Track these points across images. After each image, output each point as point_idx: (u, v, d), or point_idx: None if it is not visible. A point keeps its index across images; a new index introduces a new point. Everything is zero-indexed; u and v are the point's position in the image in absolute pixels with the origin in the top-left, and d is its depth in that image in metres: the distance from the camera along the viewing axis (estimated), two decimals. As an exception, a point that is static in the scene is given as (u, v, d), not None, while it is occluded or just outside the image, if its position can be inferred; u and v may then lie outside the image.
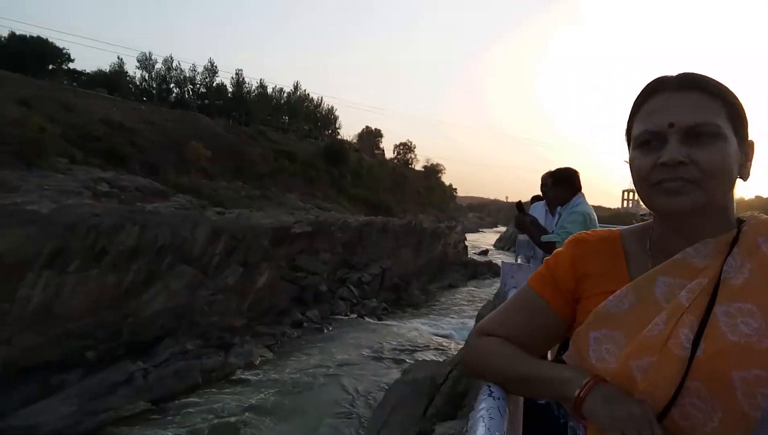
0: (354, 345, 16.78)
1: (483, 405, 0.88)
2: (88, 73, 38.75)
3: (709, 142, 0.83)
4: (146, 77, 43.49)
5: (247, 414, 11.81)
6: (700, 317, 0.81)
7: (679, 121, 0.84)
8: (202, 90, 45.37)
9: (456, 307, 25.01)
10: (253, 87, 48.53)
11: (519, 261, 4.47)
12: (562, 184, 3.94)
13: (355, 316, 21.03)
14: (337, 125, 57.28)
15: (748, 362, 0.76)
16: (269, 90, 50.30)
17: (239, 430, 11.21)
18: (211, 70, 45.37)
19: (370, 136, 61.74)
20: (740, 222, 0.90)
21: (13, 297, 11.38)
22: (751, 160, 0.90)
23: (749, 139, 0.90)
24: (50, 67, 34.62)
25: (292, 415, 12.04)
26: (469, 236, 51.16)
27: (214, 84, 45.75)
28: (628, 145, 0.93)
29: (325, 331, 18.57)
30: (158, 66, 43.59)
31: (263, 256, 18.91)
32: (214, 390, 12.82)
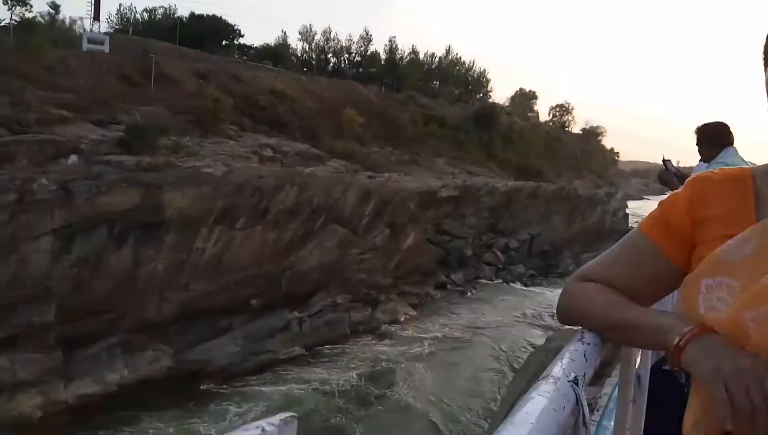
0: (498, 308, 16.79)
1: (570, 347, 0.81)
2: (257, 47, 42.05)
3: None
4: (307, 48, 46.09)
5: (392, 363, 12.52)
6: None
7: None
8: (357, 59, 47.00)
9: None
10: (406, 53, 49.18)
11: None
12: (705, 140, 3.67)
13: (500, 281, 20.94)
14: (488, 88, 56.09)
15: None
16: (421, 56, 50.60)
17: (386, 375, 11.95)
18: (366, 39, 46.75)
19: (524, 98, 59.55)
20: None
21: (190, 248, 13.07)
22: None
23: None
24: (223, 42, 38.14)
25: (438, 367, 12.51)
26: (632, 204, 47.70)
27: (368, 52, 47.13)
28: (766, 65, 0.80)
29: (469, 293, 18.77)
30: (318, 37, 45.93)
31: (410, 219, 19.48)
32: (361, 341, 13.75)
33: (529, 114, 56.83)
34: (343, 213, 16.86)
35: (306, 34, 45.28)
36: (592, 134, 61.63)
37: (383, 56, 47.61)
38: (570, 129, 60.14)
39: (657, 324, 0.78)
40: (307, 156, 21.21)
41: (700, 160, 4.63)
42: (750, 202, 0.84)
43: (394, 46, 47.59)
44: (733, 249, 0.78)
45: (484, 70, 55.75)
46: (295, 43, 46.36)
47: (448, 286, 19.03)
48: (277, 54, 41.24)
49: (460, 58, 53.20)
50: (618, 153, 74.21)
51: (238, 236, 14.01)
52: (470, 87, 53.88)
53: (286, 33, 46.64)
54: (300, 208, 15.53)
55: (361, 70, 45.74)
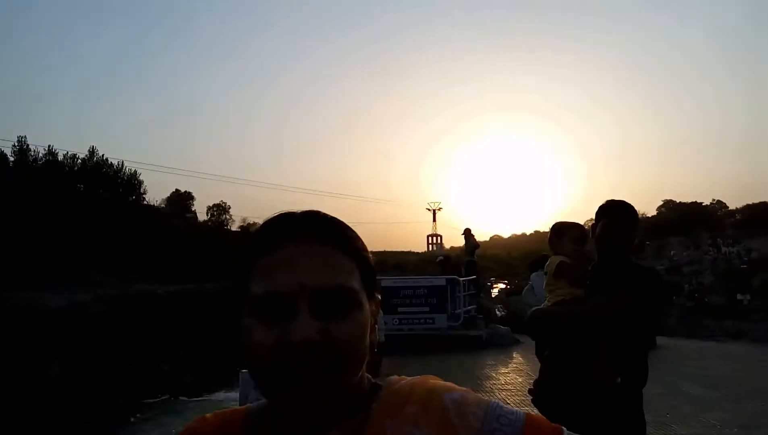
0: (165, 429, 15.59)
1: None
2: None
3: (347, 312, 0.68)
4: None
5: None
6: None
7: (311, 282, 0.66)
8: (-24, 160, 40.01)
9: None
10: (41, 154, 44.07)
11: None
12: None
13: (168, 396, 19.67)
14: (141, 190, 54.00)
15: None
16: (60, 157, 46.05)
17: None
18: (-14, 137, 40.32)
19: (181, 199, 59.15)
20: (376, 389, 0.75)
21: None
22: (377, 321, 0.76)
23: (376, 297, 0.77)
24: None
25: None
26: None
27: (-9, 153, 40.66)
28: (240, 304, 0.71)
29: (132, 419, 17.03)
30: None
31: (54, 345, 16.91)
32: None
33: (187, 215, 56.58)
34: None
35: None
36: (250, 231, 64.46)
37: (11, 157, 41.73)
38: (229, 227, 61.86)
39: None
40: None
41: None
42: None
43: (24, 146, 42.26)
44: None
45: (135, 172, 53.70)
46: None
47: (111, 414, 16.97)
48: None
49: (106, 159, 50.21)
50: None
51: None
52: (121, 189, 51.00)
53: None
54: None
55: (-19, 173, 38.98)
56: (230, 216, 64.33)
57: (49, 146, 48.45)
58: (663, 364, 11.25)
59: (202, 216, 61.01)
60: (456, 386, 0.74)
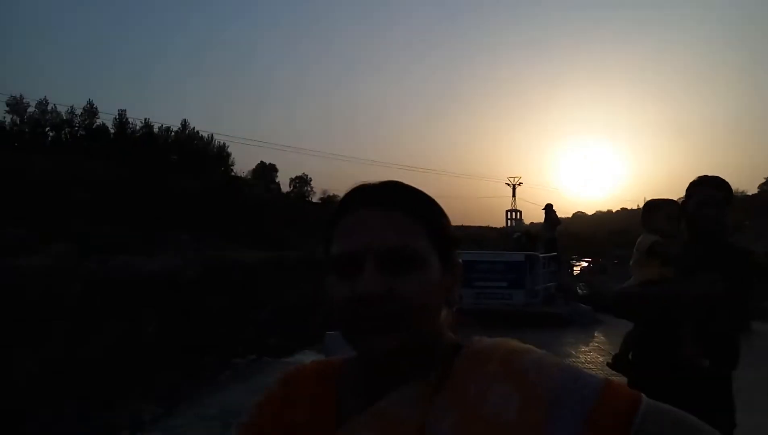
0: (254, 388, 16.42)
1: None
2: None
3: (411, 269, 0.73)
4: (17, 121, 40.70)
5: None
6: None
7: (377, 243, 0.72)
8: (81, 133, 43.13)
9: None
10: (138, 127, 46.85)
11: None
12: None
13: (254, 356, 20.62)
14: (230, 162, 56.41)
15: None
16: (155, 129, 48.76)
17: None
18: (91, 111, 43.34)
19: (265, 171, 61.24)
20: (458, 348, 0.79)
21: None
22: (459, 283, 0.81)
23: (456, 260, 0.81)
24: None
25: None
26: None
27: (95, 126, 43.66)
28: (327, 263, 0.79)
29: (221, 377, 18.04)
30: (31, 109, 41.00)
31: (151, 305, 18.14)
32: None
33: (271, 186, 58.53)
34: (70, 306, 14.98)
35: (15, 105, 40.10)
36: (330, 202, 66.00)
37: (112, 130, 44.64)
38: (310, 199, 63.54)
39: None
40: (21, 243, 18.52)
41: None
42: (332, 406, 0.81)
43: (124, 119, 45.07)
44: None
45: (224, 144, 56.10)
46: (2, 115, 40.69)
47: (200, 373, 18.06)
48: (-24, 127, 35.60)
49: (197, 132, 52.69)
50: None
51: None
52: (211, 161, 53.49)
53: (-12, 103, 40.64)
54: (10, 304, 13.35)
55: (86, 144, 42.05)
56: (311, 188, 66.16)
57: (145, 119, 51.57)
58: (758, 349, 10.58)
59: (285, 187, 63.05)
60: (536, 349, 0.77)
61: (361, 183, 0.81)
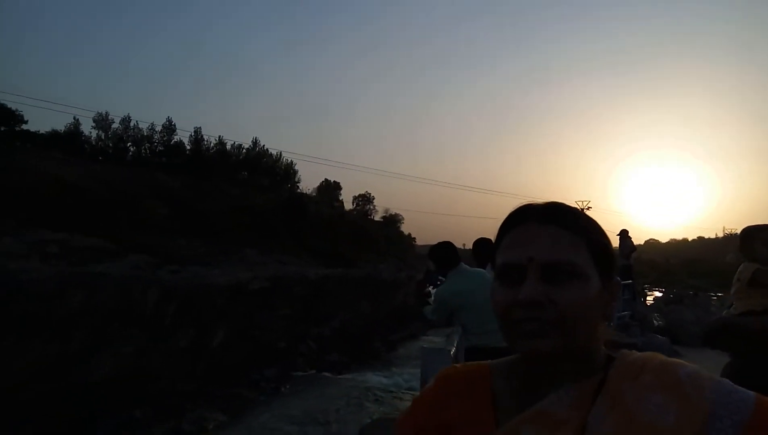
0: (313, 402, 16.50)
1: None
2: (42, 135, 38.36)
3: (569, 281, 0.79)
4: (102, 136, 43.27)
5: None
6: None
7: (539, 256, 0.79)
8: (160, 148, 45.32)
9: (417, 359, 24.90)
10: (212, 144, 48.76)
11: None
12: (435, 262, 4.12)
13: (314, 371, 20.77)
14: (296, 179, 57.69)
15: None
16: (228, 146, 50.61)
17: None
18: (170, 128, 45.50)
19: (329, 189, 62.25)
20: (611, 360, 0.85)
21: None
22: (615, 300, 0.87)
23: (615, 278, 0.87)
24: (1, 129, 34.22)
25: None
26: (432, 285, 51.30)
27: (172, 142, 45.80)
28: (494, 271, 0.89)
29: (283, 389, 18.25)
30: (115, 125, 43.51)
31: (218, 316, 18.64)
32: (164, 459, 12.39)
33: (335, 204, 59.36)
34: (143, 314, 15.57)
35: (101, 122, 42.67)
36: (391, 221, 66.21)
37: (188, 146, 46.65)
38: (372, 217, 64.00)
39: None
40: (101, 252, 19.47)
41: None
42: (489, 405, 0.86)
43: (199, 136, 47.03)
44: None
45: (291, 162, 57.50)
46: (89, 130, 43.36)
47: (262, 384, 18.32)
48: (66, 141, 38.04)
49: (267, 150, 54.29)
50: (415, 238, 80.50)
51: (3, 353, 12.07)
52: (278, 178, 54.88)
53: (78, 119, 43.39)
54: (89, 312, 14.00)
55: (164, 159, 44.10)
56: (374, 206, 66.60)
57: (219, 137, 53.65)
58: None
59: (348, 205, 63.77)
60: (686, 362, 0.82)
61: (528, 202, 0.89)
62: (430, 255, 4.09)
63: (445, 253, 4.03)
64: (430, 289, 4.29)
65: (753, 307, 2.86)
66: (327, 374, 20.33)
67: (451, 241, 4.12)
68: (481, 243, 4.25)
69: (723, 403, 0.74)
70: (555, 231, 0.82)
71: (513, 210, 0.89)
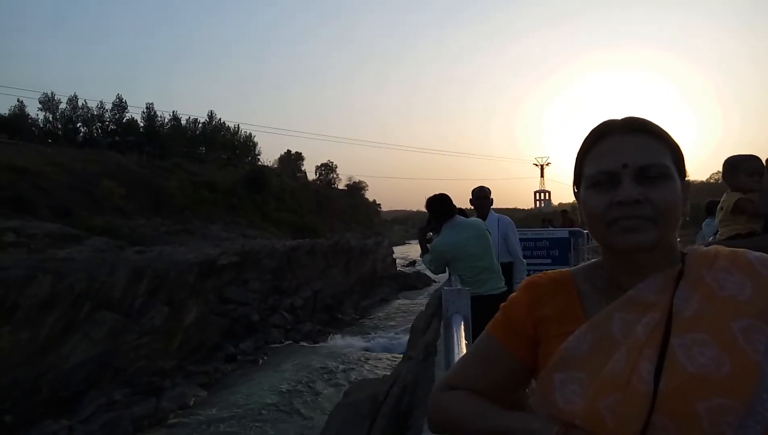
0: (291, 372, 16.62)
1: None
2: (-16, 118, 36.55)
3: (661, 181, 0.88)
4: (50, 118, 41.45)
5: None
6: (658, 351, 0.82)
7: (632, 161, 0.88)
8: (112, 127, 43.73)
9: (390, 321, 25.28)
10: (166, 120, 47.32)
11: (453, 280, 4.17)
12: (431, 213, 4.17)
13: (290, 342, 20.85)
14: (256, 151, 56.68)
15: (710, 391, 0.77)
16: (183, 121, 49.20)
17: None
18: (120, 106, 43.86)
19: (291, 160, 61.48)
20: (683, 255, 0.93)
21: None
22: (688, 199, 0.95)
23: (688, 179, 0.96)
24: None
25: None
26: (397, 249, 51.88)
27: (124, 120, 44.22)
28: (576, 185, 0.98)
29: (260, 361, 18.27)
30: (62, 106, 41.68)
31: (190, 293, 18.42)
32: (147, 437, 12.36)
33: (298, 174, 58.74)
34: (113, 296, 15.25)
35: (48, 103, 40.79)
36: (356, 189, 65.99)
37: (141, 123, 45.13)
38: (336, 186, 63.66)
39: (526, 428, 0.87)
40: (60, 236, 18.84)
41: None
42: (576, 301, 0.96)
43: (152, 112, 45.50)
44: (574, 345, 0.89)
45: (251, 134, 56.40)
46: (35, 112, 41.45)
47: (239, 357, 18.31)
48: (12, 125, 36.31)
49: (224, 123, 53.03)
50: (380, 204, 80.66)
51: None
52: (237, 151, 53.82)
53: (23, 102, 41.37)
54: (58, 298, 13.64)
55: (117, 138, 42.60)
56: (337, 175, 66.16)
57: (173, 112, 52.07)
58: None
59: (311, 175, 63.20)
60: (750, 250, 0.92)
61: (606, 120, 0.96)
62: (427, 207, 4.12)
63: (440, 205, 4.07)
64: (431, 235, 4.34)
65: (738, 230, 3.00)
66: (304, 344, 20.47)
67: (446, 193, 4.15)
68: (436, 199, 4.22)
69: None
70: (643, 139, 0.91)
71: (595, 126, 0.97)
